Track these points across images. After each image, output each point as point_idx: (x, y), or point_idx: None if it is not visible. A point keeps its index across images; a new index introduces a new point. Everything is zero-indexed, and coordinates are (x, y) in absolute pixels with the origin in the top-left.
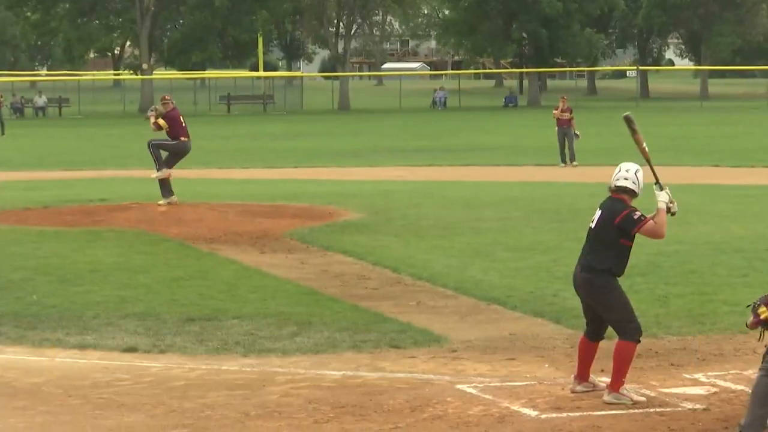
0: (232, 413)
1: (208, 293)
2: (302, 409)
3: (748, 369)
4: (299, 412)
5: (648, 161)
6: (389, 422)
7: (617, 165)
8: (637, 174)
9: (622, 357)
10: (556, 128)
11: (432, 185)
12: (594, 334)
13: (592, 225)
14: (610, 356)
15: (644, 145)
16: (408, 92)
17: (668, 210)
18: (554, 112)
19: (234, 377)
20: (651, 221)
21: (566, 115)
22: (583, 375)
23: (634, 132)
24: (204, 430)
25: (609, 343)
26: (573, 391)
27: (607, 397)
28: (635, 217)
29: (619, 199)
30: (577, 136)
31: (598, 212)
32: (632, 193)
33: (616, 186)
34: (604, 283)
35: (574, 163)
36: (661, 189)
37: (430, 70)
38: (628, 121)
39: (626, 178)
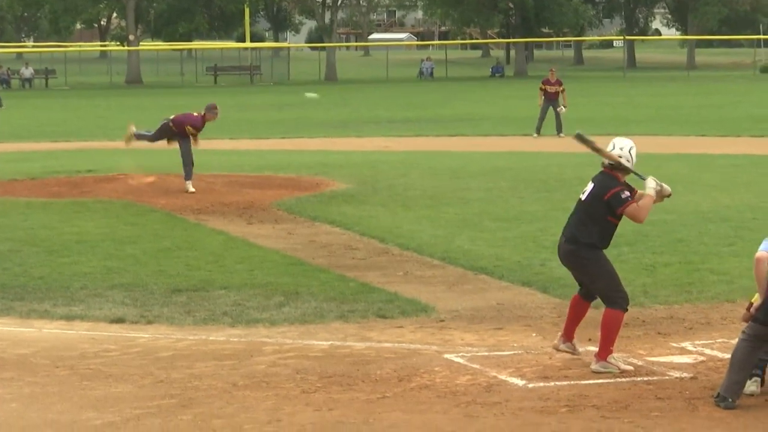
0: (219, 383)
1: (195, 264)
2: (290, 379)
3: (735, 337)
4: (287, 382)
5: (619, 162)
6: (377, 392)
7: (603, 135)
8: (631, 151)
9: (610, 325)
10: (543, 99)
11: (419, 155)
12: (588, 295)
13: (582, 197)
14: (598, 325)
15: (606, 150)
16: (395, 63)
17: (662, 194)
18: (543, 86)
19: (221, 347)
20: (635, 204)
21: (555, 88)
22: (569, 333)
23: (591, 145)
24: (191, 401)
25: (597, 313)
26: (555, 348)
27: (594, 366)
28: (623, 196)
29: (611, 175)
30: (561, 109)
31: (590, 185)
32: (625, 170)
33: (609, 162)
34: (589, 254)
35: (561, 134)
36: (644, 178)
37: (417, 40)
38: (580, 138)
39: (620, 156)
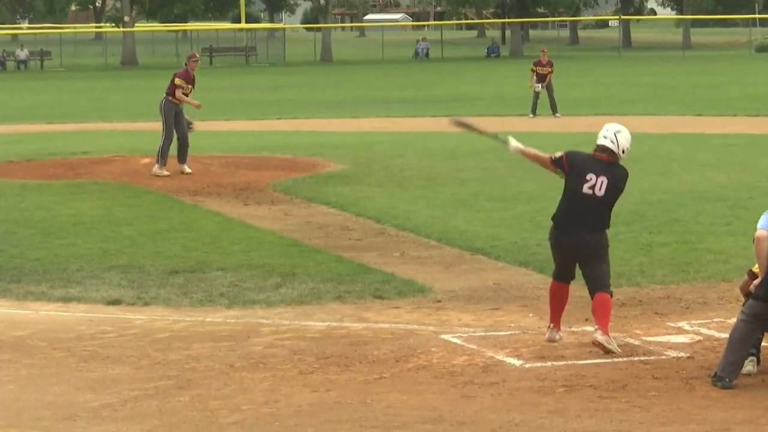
0: (216, 365)
1: (191, 245)
2: (287, 360)
3: (732, 317)
4: (284, 363)
5: (487, 132)
6: (374, 372)
7: (599, 115)
8: (617, 135)
9: (608, 308)
10: (534, 81)
11: (415, 136)
12: (567, 278)
13: (599, 192)
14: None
15: (483, 129)
16: (390, 43)
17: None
18: (534, 68)
19: (218, 329)
20: None
21: (547, 69)
22: (559, 322)
23: (470, 128)
24: (189, 382)
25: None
26: (552, 341)
27: (601, 337)
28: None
29: (611, 162)
30: (537, 87)
31: (601, 179)
32: (611, 153)
33: (597, 144)
34: (606, 240)
35: (557, 114)
36: (505, 141)
37: (412, 21)
38: (459, 124)
39: (605, 137)
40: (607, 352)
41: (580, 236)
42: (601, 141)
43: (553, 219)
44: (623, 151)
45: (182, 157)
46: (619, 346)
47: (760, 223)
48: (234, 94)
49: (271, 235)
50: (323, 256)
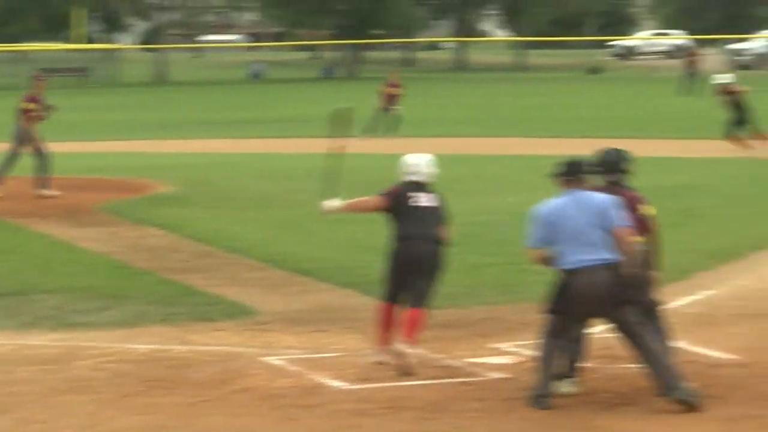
0: (39, 388)
1: (18, 268)
2: (109, 383)
3: None
4: (106, 387)
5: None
6: (197, 395)
7: (426, 137)
8: (419, 167)
9: (422, 323)
10: (382, 103)
11: (249, 157)
12: (398, 297)
13: (426, 203)
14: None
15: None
16: (228, 64)
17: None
18: (383, 89)
19: (42, 352)
20: None
21: (397, 90)
22: (389, 342)
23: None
24: (11, 406)
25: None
26: (382, 363)
27: (409, 350)
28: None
29: (424, 185)
30: (398, 108)
31: (422, 195)
32: (423, 181)
33: (406, 181)
34: (444, 261)
35: (391, 134)
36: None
37: (250, 41)
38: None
39: (412, 173)
40: (407, 369)
41: (425, 246)
42: (409, 178)
43: (395, 239)
44: (432, 175)
45: (45, 179)
46: (441, 367)
47: (530, 241)
48: (67, 115)
49: (98, 258)
50: (150, 278)
